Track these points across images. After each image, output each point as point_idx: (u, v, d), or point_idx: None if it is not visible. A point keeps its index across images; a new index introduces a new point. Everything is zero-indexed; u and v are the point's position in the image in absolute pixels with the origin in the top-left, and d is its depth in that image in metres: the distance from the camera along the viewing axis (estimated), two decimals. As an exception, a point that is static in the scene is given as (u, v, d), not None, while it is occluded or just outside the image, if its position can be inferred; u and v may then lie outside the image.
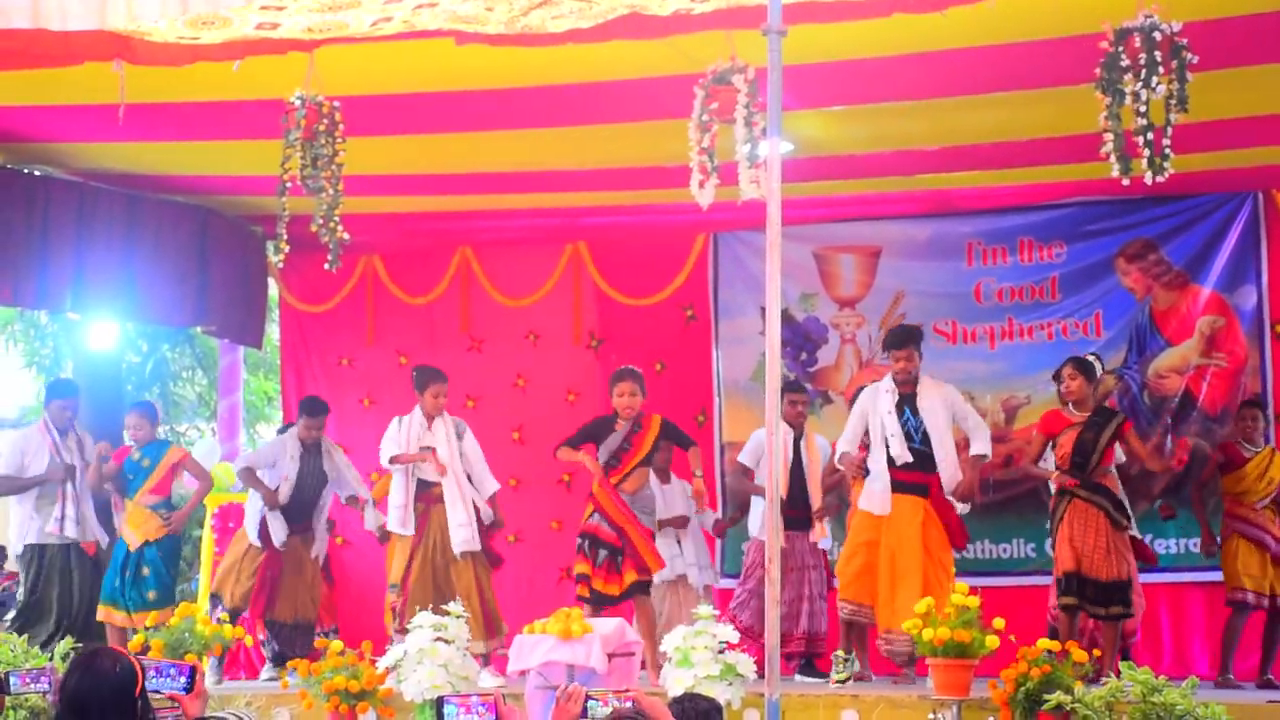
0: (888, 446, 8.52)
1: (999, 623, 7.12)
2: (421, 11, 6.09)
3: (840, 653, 8.57)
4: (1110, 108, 6.03)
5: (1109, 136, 6.07)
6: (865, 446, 8.73)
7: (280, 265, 8.17)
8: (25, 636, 8.56)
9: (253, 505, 9.69)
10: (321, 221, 7.01)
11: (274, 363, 14.99)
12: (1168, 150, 5.96)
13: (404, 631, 8.09)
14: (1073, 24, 6.56)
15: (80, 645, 7.93)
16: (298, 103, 6.79)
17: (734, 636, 7.29)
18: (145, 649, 7.75)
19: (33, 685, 6.21)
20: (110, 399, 11.35)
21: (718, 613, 7.54)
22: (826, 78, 7.37)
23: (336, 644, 7.85)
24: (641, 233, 10.96)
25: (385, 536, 9.23)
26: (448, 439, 8.91)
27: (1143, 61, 5.90)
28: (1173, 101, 5.95)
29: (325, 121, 6.82)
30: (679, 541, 9.74)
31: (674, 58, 6.71)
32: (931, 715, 7.29)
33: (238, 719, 5.31)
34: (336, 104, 6.85)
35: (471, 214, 10.75)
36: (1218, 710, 6.51)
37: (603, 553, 8.47)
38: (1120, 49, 5.97)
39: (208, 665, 8.93)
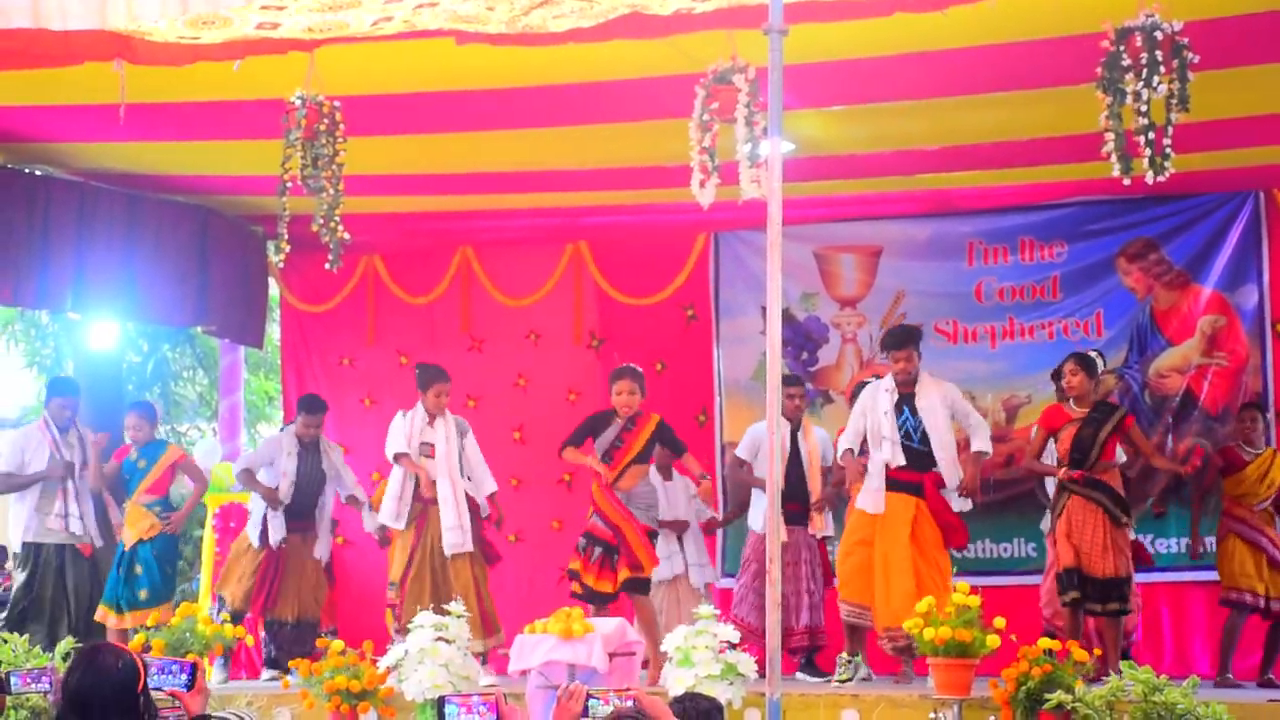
0: (884, 446, 8.52)
1: (1000, 622, 7.11)
2: (422, 11, 6.09)
3: (844, 655, 8.58)
4: (1111, 107, 6.03)
5: (1110, 136, 6.07)
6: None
7: (281, 265, 8.15)
8: (26, 636, 8.55)
9: (256, 508, 9.69)
10: (322, 221, 7.00)
11: (275, 363, 15.00)
12: (1169, 150, 5.96)
13: (403, 630, 8.08)
14: (1074, 23, 6.56)
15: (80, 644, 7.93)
16: (298, 102, 6.78)
17: (735, 636, 7.28)
18: (146, 648, 7.74)
19: (33, 685, 6.22)
20: (111, 399, 11.37)
21: (718, 612, 7.53)
22: (827, 77, 7.37)
23: (338, 644, 7.84)
24: (642, 232, 10.96)
25: (386, 540, 9.24)
26: (448, 437, 8.92)
27: (1144, 61, 5.90)
28: (1174, 101, 5.95)
29: (326, 121, 6.81)
30: (679, 540, 9.74)
31: (675, 57, 6.71)
32: (932, 715, 7.28)
33: (239, 719, 5.31)
34: (337, 104, 6.84)
35: (472, 214, 10.75)
36: (1219, 710, 6.50)
37: (597, 550, 8.48)
38: (1121, 48, 5.97)
39: (214, 665, 8.94)
